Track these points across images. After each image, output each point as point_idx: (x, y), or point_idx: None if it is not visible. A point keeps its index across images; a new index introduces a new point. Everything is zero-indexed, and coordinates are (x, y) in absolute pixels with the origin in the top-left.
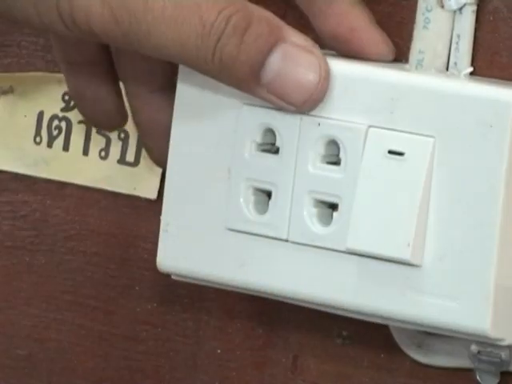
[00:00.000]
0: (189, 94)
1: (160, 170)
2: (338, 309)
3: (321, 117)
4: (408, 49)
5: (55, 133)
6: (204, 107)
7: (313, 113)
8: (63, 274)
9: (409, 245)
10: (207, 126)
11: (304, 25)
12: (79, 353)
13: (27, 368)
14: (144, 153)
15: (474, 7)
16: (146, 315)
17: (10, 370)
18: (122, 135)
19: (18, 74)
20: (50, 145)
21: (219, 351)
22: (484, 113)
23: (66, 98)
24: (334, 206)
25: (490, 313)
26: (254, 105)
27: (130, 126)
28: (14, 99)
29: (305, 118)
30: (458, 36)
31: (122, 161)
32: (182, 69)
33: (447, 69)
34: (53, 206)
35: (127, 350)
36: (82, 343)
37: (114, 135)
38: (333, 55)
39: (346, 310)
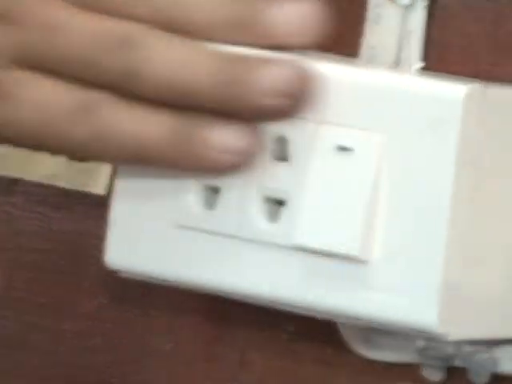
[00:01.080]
0: None
1: (110, 167)
2: (285, 305)
3: None
4: (358, 44)
5: None
6: None
7: None
8: (13, 270)
9: (357, 241)
10: None
11: None
12: (27, 349)
13: None
14: None
15: (426, 2)
16: (95, 311)
17: None
18: None
19: None
20: None
21: (167, 348)
22: (434, 109)
23: None
24: (282, 202)
25: (437, 309)
26: None
27: None
28: None
29: None
30: (409, 31)
31: None
32: None
33: (398, 64)
34: (3, 202)
35: (76, 346)
36: (30, 339)
37: None
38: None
39: (293, 307)
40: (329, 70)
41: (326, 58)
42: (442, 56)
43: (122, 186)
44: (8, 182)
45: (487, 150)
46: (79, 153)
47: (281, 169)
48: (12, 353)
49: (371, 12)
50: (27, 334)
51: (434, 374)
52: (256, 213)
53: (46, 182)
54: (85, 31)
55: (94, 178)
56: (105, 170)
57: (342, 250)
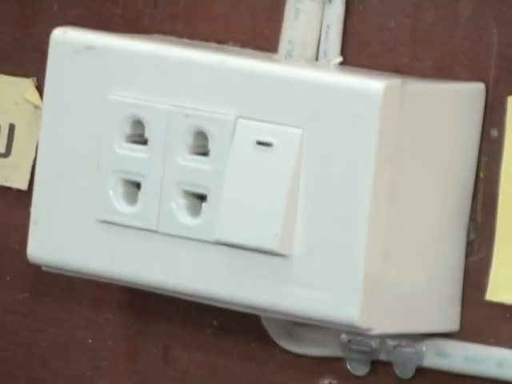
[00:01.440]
0: (58, 84)
1: (31, 162)
2: (208, 299)
3: (189, 108)
4: (278, 39)
5: None
6: (73, 97)
7: (181, 104)
8: None
9: (277, 235)
10: (76, 118)
11: None
12: None
13: None
14: (15, 143)
15: None
16: (17, 305)
17: None
18: None
19: None
20: None
21: (90, 341)
22: (352, 103)
23: None
24: (203, 197)
25: (359, 303)
26: (121, 96)
27: (1, 119)
28: None
29: (172, 109)
30: (328, 26)
31: None
32: (52, 55)
33: (317, 59)
34: None
35: (5, 337)
36: None
37: None
38: (201, 46)
39: (216, 301)
40: (247, 65)
41: (244, 53)
42: (361, 50)
43: (43, 181)
44: None
45: (407, 143)
46: None
47: (200, 164)
48: None
49: (290, 7)
50: None
51: (358, 368)
52: (176, 208)
53: None
54: None
55: (16, 173)
56: (27, 165)
57: (262, 244)
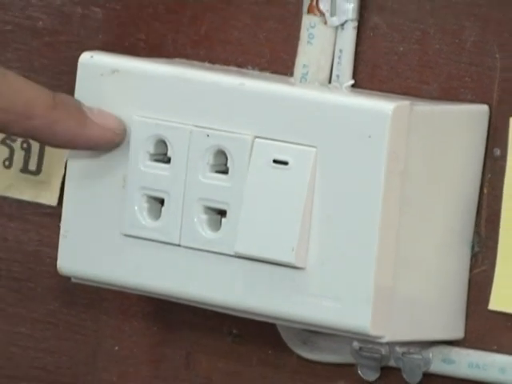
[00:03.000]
0: (87, 104)
1: (60, 179)
2: (228, 309)
3: (209, 128)
4: (293, 63)
5: None
6: None
7: (202, 124)
8: None
9: (293, 249)
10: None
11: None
12: None
13: None
14: (45, 162)
15: (355, 23)
16: (48, 315)
17: None
18: (25, 145)
19: None
20: None
21: (117, 348)
22: (363, 123)
23: None
24: (222, 213)
25: (370, 312)
26: (145, 116)
27: None
28: None
29: (194, 129)
30: (340, 51)
31: (24, 170)
32: (80, 78)
33: (330, 82)
34: None
35: (31, 348)
36: None
37: (17, 145)
38: (221, 69)
39: (235, 310)
40: (264, 88)
41: (262, 77)
42: (371, 74)
43: (72, 197)
44: None
45: (415, 161)
46: None
47: (220, 181)
48: None
49: (304, 32)
50: None
51: (369, 374)
52: (198, 222)
53: (0, 193)
54: None
55: (46, 190)
56: (56, 182)
57: (279, 257)
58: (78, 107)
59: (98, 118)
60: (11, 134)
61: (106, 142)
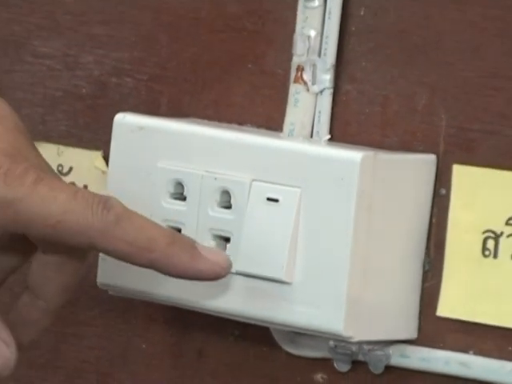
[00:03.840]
0: (119, 155)
1: None
2: (231, 315)
3: (217, 173)
4: (282, 122)
5: None
6: (130, 164)
7: (211, 170)
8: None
9: (283, 267)
10: (133, 180)
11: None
12: (39, 348)
13: None
14: None
15: (331, 90)
16: (90, 320)
17: None
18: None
19: None
20: None
21: (144, 346)
22: (338, 169)
23: None
24: (227, 239)
25: (343, 318)
26: (166, 164)
27: (77, 180)
28: None
29: (205, 174)
30: (320, 112)
31: None
32: (115, 134)
33: (311, 136)
34: None
35: (76, 345)
36: (41, 340)
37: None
38: (226, 126)
39: (236, 316)
40: (260, 141)
41: (258, 132)
42: (344, 130)
43: None
44: None
45: (378, 198)
46: None
47: (226, 214)
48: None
49: (291, 97)
50: (38, 337)
51: (342, 366)
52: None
53: None
54: None
55: None
56: None
57: (271, 274)
58: (192, 244)
59: (209, 254)
60: (132, 263)
61: (215, 275)
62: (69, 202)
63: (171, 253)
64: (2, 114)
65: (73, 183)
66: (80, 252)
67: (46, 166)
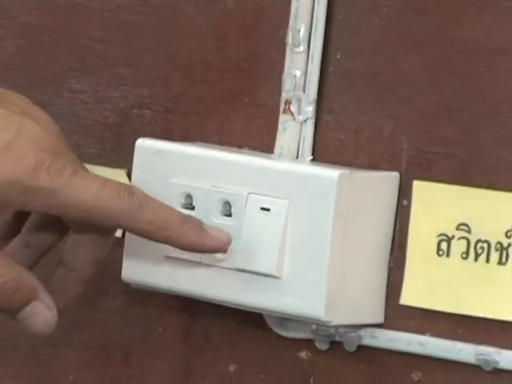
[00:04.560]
0: (140, 174)
1: None
2: (232, 304)
3: (220, 187)
4: (273, 146)
5: None
6: (148, 182)
7: (215, 185)
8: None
9: (274, 265)
10: (153, 195)
11: None
12: (75, 330)
13: None
14: None
15: (313, 120)
16: (117, 308)
17: None
18: None
19: None
20: None
21: (160, 329)
22: (319, 184)
23: None
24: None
25: (323, 306)
26: (178, 180)
27: None
28: None
29: (210, 188)
30: (304, 138)
31: None
32: (136, 155)
33: (297, 157)
34: None
35: (105, 328)
36: (77, 324)
37: None
38: (227, 149)
39: (236, 305)
40: (255, 161)
41: (253, 154)
42: (324, 153)
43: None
44: None
45: (352, 209)
46: None
47: (227, 221)
48: (65, 332)
49: (281, 126)
50: (75, 322)
51: (322, 346)
52: None
53: None
54: None
55: None
56: None
57: (265, 270)
58: (200, 224)
59: (213, 231)
60: (151, 239)
61: (217, 249)
62: (99, 191)
63: (183, 231)
64: (44, 121)
65: None
66: (107, 231)
67: (80, 163)
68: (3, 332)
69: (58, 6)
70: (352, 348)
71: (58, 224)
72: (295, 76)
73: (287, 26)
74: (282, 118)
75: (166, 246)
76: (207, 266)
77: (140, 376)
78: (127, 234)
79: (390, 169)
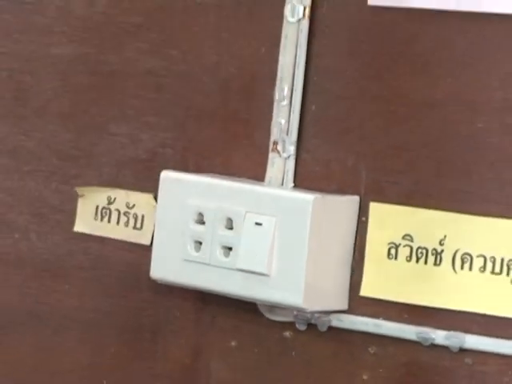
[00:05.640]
0: (164, 196)
1: (151, 232)
2: (233, 295)
3: (224, 207)
4: (264, 176)
5: None
6: (169, 202)
7: (221, 205)
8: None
9: (265, 264)
10: (171, 213)
11: None
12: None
13: None
14: (145, 223)
15: (294, 157)
16: (147, 297)
17: None
18: (135, 219)
19: None
20: None
21: (178, 314)
22: (299, 205)
23: None
24: (230, 248)
25: (302, 297)
26: (193, 201)
27: (139, 212)
28: None
29: (217, 208)
30: (287, 170)
31: (134, 227)
32: (161, 183)
33: (282, 185)
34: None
35: (138, 315)
36: (119, 313)
37: (131, 216)
38: (229, 178)
39: (237, 296)
40: (250, 187)
41: (249, 182)
42: (302, 182)
43: (157, 240)
44: None
45: (323, 224)
46: None
47: (229, 233)
48: (107, 316)
49: (270, 161)
50: (114, 309)
51: (301, 327)
52: (218, 253)
53: (125, 239)
54: None
55: (143, 237)
56: (149, 234)
57: (258, 269)
58: None
59: None
60: None
61: None
62: None
63: None
64: None
65: (135, 214)
66: None
67: None
68: (60, 313)
69: (102, 69)
70: (324, 328)
71: None
72: (281, 123)
73: (274, 86)
74: (271, 155)
75: (186, 250)
76: (215, 266)
77: (163, 350)
78: (154, 243)
79: (352, 193)
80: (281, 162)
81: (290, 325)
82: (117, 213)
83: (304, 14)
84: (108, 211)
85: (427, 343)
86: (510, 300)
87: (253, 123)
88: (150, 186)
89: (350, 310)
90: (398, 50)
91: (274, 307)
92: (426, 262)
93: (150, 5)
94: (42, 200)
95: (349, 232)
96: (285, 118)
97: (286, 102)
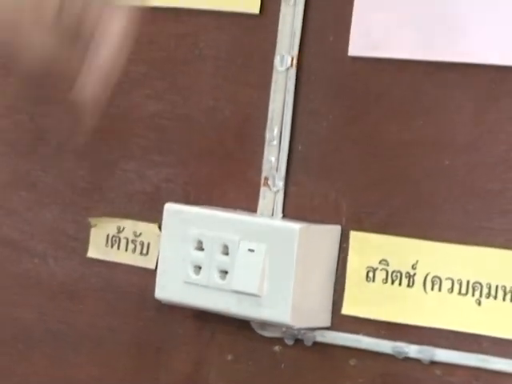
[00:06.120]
0: (168, 225)
1: (156, 257)
2: (229, 314)
3: (220, 236)
4: (256, 207)
5: None
6: (171, 232)
7: (217, 235)
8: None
9: (257, 286)
10: (175, 240)
11: None
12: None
13: None
14: (150, 250)
15: (283, 191)
16: (152, 315)
17: None
18: (142, 246)
19: None
20: None
21: (180, 331)
22: (286, 234)
23: None
24: (226, 272)
25: (289, 315)
26: (194, 230)
27: (146, 239)
28: None
29: (214, 236)
30: (277, 202)
31: (141, 253)
32: (165, 214)
33: (272, 215)
34: None
35: (147, 327)
36: (126, 330)
37: (139, 243)
38: (225, 210)
39: (232, 315)
40: (243, 218)
41: (242, 213)
42: (290, 213)
43: (161, 265)
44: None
45: (308, 250)
46: None
47: (225, 258)
48: (115, 333)
49: (261, 194)
50: (122, 326)
51: (289, 342)
52: (215, 276)
53: (131, 263)
54: None
55: (149, 261)
56: (154, 257)
57: (250, 290)
58: None
59: None
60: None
61: None
62: None
63: None
64: None
65: (142, 241)
66: None
67: None
68: (74, 331)
69: (112, 113)
70: (309, 343)
71: None
72: (271, 161)
73: (266, 128)
74: (262, 189)
75: (187, 274)
76: (213, 288)
77: (167, 363)
78: (158, 267)
79: (334, 223)
80: (271, 195)
81: (279, 340)
82: (125, 240)
83: (292, 64)
84: (118, 239)
85: (401, 356)
86: (475, 318)
87: (246, 161)
88: (155, 216)
89: (333, 327)
90: (375, 96)
91: (265, 324)
92: (400, 284)
93: (155, 55)
94: (59, 229)
95: (331, 257)
96: (274, 156)
97: (275, 142)
